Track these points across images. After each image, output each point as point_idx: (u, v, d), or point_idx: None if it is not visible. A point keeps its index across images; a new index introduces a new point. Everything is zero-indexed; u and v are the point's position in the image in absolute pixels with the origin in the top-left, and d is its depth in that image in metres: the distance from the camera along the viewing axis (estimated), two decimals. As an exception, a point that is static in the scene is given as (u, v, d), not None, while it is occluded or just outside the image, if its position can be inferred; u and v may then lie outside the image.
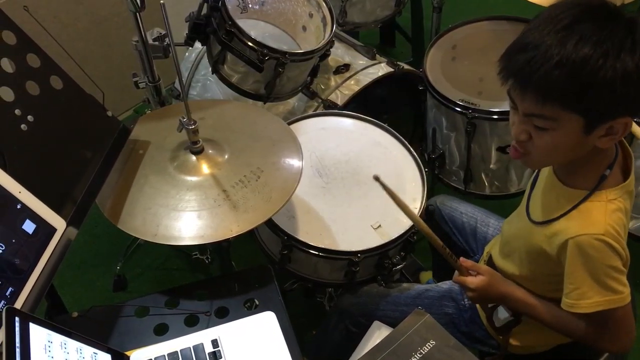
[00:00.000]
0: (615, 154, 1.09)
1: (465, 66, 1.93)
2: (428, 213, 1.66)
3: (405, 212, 1.23)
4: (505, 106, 1.75)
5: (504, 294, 1.24)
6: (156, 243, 1.19)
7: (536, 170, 1.26)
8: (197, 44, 1.79)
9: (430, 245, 1.92)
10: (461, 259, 1.26)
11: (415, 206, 1.54)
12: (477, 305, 1.39)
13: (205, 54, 1.96)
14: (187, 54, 2.13)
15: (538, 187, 1.22)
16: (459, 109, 1.78)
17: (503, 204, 1.97)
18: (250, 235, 1.62)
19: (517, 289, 1.24)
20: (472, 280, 1.24)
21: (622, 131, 1.00)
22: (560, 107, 0.98)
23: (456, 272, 1.27)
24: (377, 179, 1.21)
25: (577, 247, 1.07)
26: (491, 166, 1.87)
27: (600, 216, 1.05)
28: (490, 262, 1.36)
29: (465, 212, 1.63)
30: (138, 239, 2.06)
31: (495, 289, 1.24)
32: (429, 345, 1.13)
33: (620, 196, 1.07)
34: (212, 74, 1.74)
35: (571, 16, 0.96)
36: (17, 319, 0.91)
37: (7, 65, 1.11)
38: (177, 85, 2.21)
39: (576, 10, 0.96)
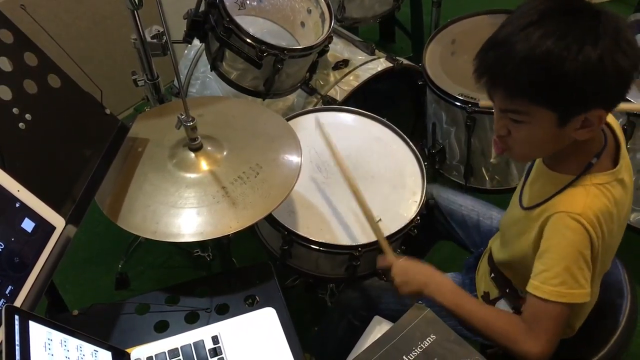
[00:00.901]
0: (605, 143, 1.09)
1: (464, 60, 1.93)
2: (428, 207, 1.66)
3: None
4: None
5: (428, 272, 1.26)
6: (157, 241, 1.19)
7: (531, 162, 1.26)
8: (196, 41, 1.79)
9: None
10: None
11: (415, 200, 1.54)
12: (479, 298, 1.39)
13: (204, 51, 1.97)
14: (186, 51, 2.14)
15: (530, 176, 1.23)
16: (458, 104, 1.78)
17: (504, 198, 1.94)
18: (251, 232, 1.62)
19: (440, 273, 1.26)
20: (394, 260, 1.29)
21: (597, 123, 1.00)
22: (528, 101, 0.99)
23: (379, 258, 1.34)
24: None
25: (554, 223, 1.06)
26: (491, 160, 1.87)
27: (581, 198, 1.05)
28: (491, 257, 1.36)
29: (464, 204, 1.62)
30: (139, 237, 2.06)
31: (420, 266, 1.28)
32: (429, 339, 1.13)
33: (608, 182, 1.07)
34: (211, 71, 1.74)
35: (538, 12, 0.97)
36: (16, 317, 0.91)
37: (5, 64, 1.11)
38: (176, 82, 2.21)
39: (543, 6, 0.97)
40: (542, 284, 1.08)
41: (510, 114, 1.03)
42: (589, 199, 1.05)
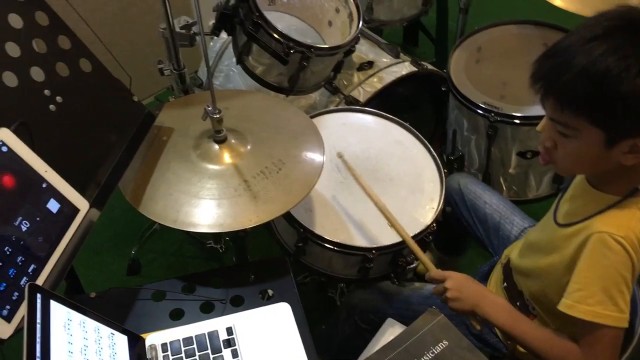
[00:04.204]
0: None
1: (489, 69, 1.93)
2: (445, 215, 1.66)
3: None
4: (528, 111, 1.75)
5: (484, 292, 1.24)
6: (171, 230, 1.20)
7: (570, 177, 1.25)
8: (222, 34, 1.80)
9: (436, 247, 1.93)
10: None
11: (433, 206, 1.54)
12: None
13: (230, 45, 1.98)
14: (211, 43, 2.15)
15: (569, 192, 1.22)
16: (481, 112, 1.78)
17: (517, 207, 1.96)
18: (265, 227, 1.62)
19: (492, 292, 1.25)
20: (452, 273, 1.24)
21: None
22: (578, 116, 0.98)
23: (430, 272, 1.30)
24: (340, 156, 1.27)
25: (596, 243, 1.05)
26: (510, 170, 1.87)
27: (625, 220, 1.04)
28: (507, 266, 1.36)
29: (489, 202, 1.60)
30: (154, 224, 2.08)
31: (475, 285, 1.24)
32: (441, 345, 1.13)
33: None
34: (237, 64, 1.75)
35: (604, 27, 0.96)
36: (39, 295, 0.92)
37: (40, 46, 1.12)
38: (199, 74, 2.22)
39: (611, 22, 0.96)
40: (577, 303, 1.07)
41: (559, 125, 1.02)
42: (632, 222, 1.04)
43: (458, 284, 1.23)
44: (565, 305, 1.09)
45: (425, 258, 1.32)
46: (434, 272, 1.28)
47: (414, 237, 1.46)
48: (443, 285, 1.24)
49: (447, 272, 1.26)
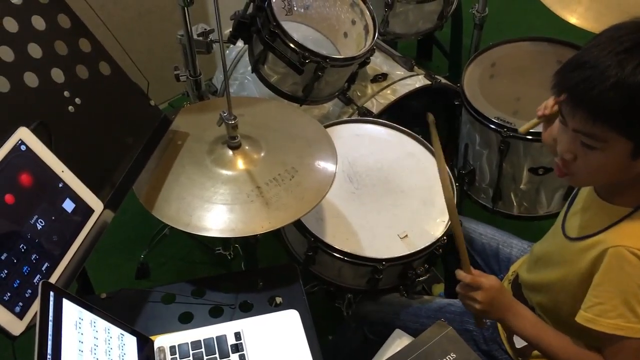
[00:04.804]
0: None
1: (503, 85, 1.93)
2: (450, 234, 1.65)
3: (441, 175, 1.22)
4: (541, 127, 1.75)
5: (512, 304, 1.21)
6: (181, 235, 1.21)
7: (575, 189, 1.26)
8: (239, 43, 1.82)
9: (442, 260, 1.90)
10: (470, 268, 1.23)
11: (444, 219, 1.54)
12: (498, 325, 1.38)
13: (245, 53, 1.99)
14: (227, 51, 2.16)
15: (576, 205, 1.21)
16: (493, 127, 1.78)
17: (529, 225, 1.96)
18: (274, 235, 1.63)
19: (524, 306, 1.22)
20: (487, 279, 1.20)
21: None
22: (610, 128, 0.98)
23: (464, 275, 1.22)
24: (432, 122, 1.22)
25: (613, 257, 1.04)
26: (521, 186, 1.86)
27: None
28: (515, 282, 1.35)
29: (484, 233, 1.61)
30: (164, 229, 2.09)
31: (506, 295, 1.22)
32: (449, 357, 1.13)
33: None
34: (252, 72, 1.77)
35: (634, 40, 0.96)
36: (51, 293, 0.93)
37: (61, 48, 1.14)
38: (214, 81, 2.24)
39: (639, 35, 0.96)
40: (597, 316, 1.07)
41: (584, 137, 1.01)
42: None
43: (490, 297, 1.19)
44: (586, 319, 1.09)
45: (466, 256, 1.23)
46: (469, 277, 1.21)
47: (425, 249, 1.47)
48: (473, 295, 1.20)
49: (481, 281, 1.20)
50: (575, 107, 1.00)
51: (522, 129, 1.53)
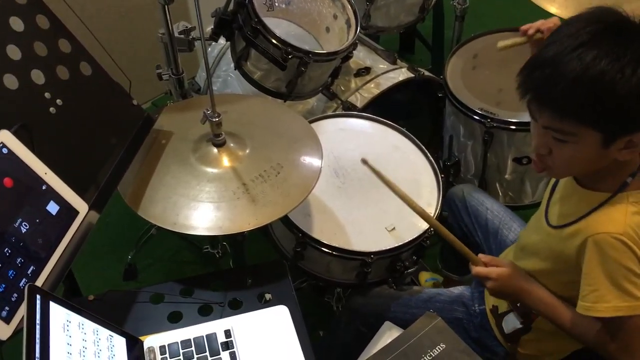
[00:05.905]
0: None
1: (485, 76, 1.94)
2: (442, 219, 1.67)
3: (411, 206, 1.28)
4: (524, 117, 1.76)
5: (524, 287, 1.22)
6: (168, 235, 1.21)
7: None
8: (221, 40, 1.81)
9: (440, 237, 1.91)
10: (480, 254, 1.26)
11: (430, 211, 1.55)
12: (488, 312, 1.39)
13: (228, 51, 1.99)
14: (209, 49, 2.15)
15: (557, 193, 1.23)
16: (477, 117, 1.79)
17: (516, 214, 1.97)
18: (262, 232, 1.63)
19: (538, 286, 1.22)
20: (494, 270, 1.22)
21: None
22: (577, 122, 0.99)
23: (476, 270, 1.24)
24: (365, 162, 1.27)
25: (595, 245, 1.06)
26: (506, 176, 1.88)
27: (620, 216, 1.06)
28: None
29: (491, 208, 1.62)
30: (150, 229, 2.08)
31: (516, 281, 1.22)
32: (439, 348, 1.14)
33: None
34: (235, 69, 1.76)
35: (590, 33, 0.97)
36: (38, 296, 0.92)
37: (40, 49, 1.12)
38: (197, 79, 2.23)
39: (594, 27, 0.98)
40: (594, 303, 1.09)
41: (555, 132, 1.03)
42: (628, 218, 1.05)
43: (498, 285, 1.22)
44: (585, 308, 1.11)
45: (466, 249, 1.26)
46: (477, 269, 1.24)
47: (412, 241, 1.47)
48: (485, 284, 1.23)
49: (488, 272, 1.22)
50: (541, 106, 1.02)
51: (500, 44, 1.54)
